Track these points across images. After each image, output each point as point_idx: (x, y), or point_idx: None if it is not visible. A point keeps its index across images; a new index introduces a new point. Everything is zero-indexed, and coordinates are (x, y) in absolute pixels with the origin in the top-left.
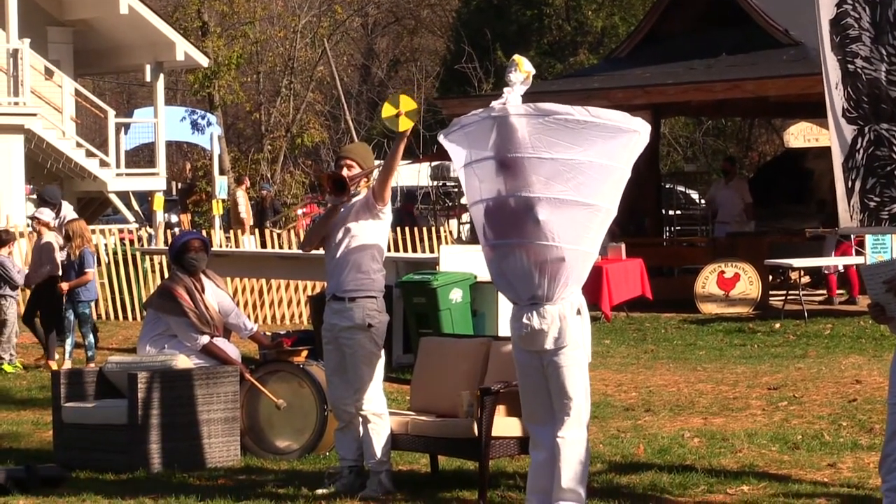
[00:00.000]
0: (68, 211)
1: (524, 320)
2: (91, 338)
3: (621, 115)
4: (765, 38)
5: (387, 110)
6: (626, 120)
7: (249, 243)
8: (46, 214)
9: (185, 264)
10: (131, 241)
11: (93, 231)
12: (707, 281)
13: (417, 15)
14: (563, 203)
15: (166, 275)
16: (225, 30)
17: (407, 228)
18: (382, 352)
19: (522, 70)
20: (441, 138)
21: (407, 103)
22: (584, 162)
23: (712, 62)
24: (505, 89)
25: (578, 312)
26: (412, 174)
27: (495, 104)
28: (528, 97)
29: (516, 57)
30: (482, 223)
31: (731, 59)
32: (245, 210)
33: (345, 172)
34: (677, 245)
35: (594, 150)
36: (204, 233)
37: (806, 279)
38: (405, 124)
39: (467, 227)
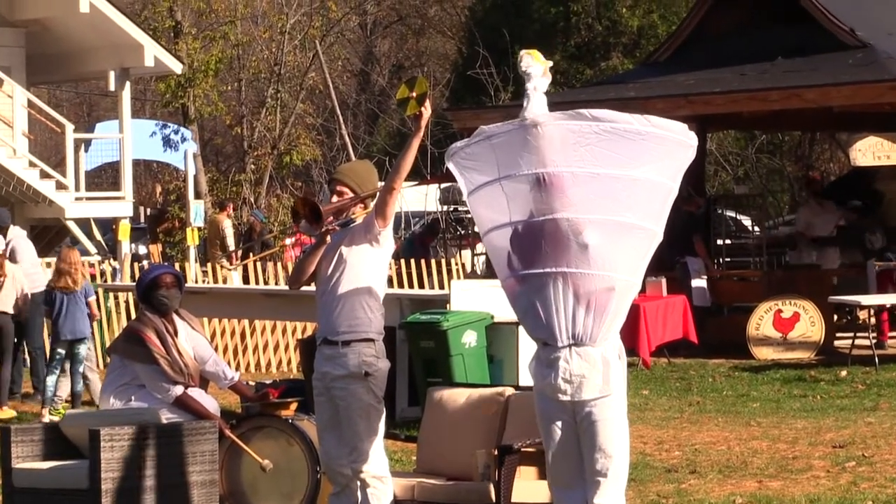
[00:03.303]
0: (18, 235)
1: (562, 364)
2: (81, 384)
3: (678, 125)
4: (828, 39)
5: (402, 91)
6: (685, 132)
7: (237, 279)
8: None
9: (155, 303)
10: (92, 277)
11: (47, 265)
12: (762, 321)
13: (424, 13)
14: (616, 226)
15: (133, 315)
16: (201, 31)
17: (412, 260)
18: (383, 404)
19: (539, 61)
20: (451, 155)
21: (422, 86)
22: (640, 179)
23: (767, 67)
24: (528, 89)
25: (619, 357)
26: (418, 198)
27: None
28: (552, 108)
29: (525, 51)
30: (505, 251)
31: (788, 64)
32: (232, 241)
33: (334, 199)
34: (727, 279)
35: (650, 166)
36: (177, 266)
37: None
38: (411, 109)
39: (483, 258)
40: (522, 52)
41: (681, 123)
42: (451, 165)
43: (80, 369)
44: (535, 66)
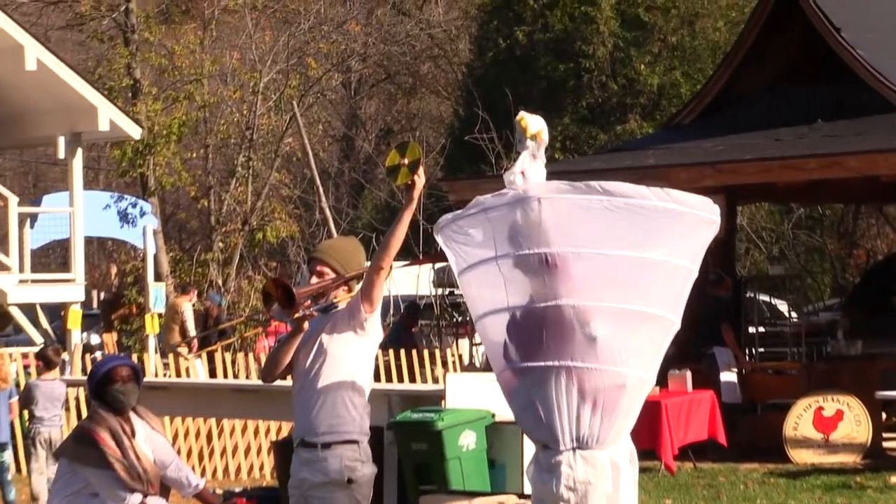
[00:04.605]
0: None
1: (564, 469)
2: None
3: (700, 199)
4: (872, 100)
5: (391, 158)
6: (707, 207)
7: (202, 372)
8: None
9: (110, 399)
10: (38, 370)
11: None
12: (800, 420)
13: (415, 70)
14: (627, 315)
15: (84, 414)
16: (163, 90)
17: (402, 351)
18: None
19: (529, 132)
20: (442, 228)
21: (414, 152)
22: (657, 262)
23: (804, 131)
24: (520, 162)
25: (630, 461)
26: (409, 280)
27: (513, 178)
28: (560, 178)
29: (519, 117)
30: (502, 339)
31: (828, 127)
32: (193, 326)
33: (314, 281)
34: (760, 373)
35: (668, 247)
36: (135, 358)
37: None
38: (402, 178)
39: (483, 349)
40: (517, 117)
41: (702, 197)
42: (440, 239)
43: (9, 478)
44: (530, 141)
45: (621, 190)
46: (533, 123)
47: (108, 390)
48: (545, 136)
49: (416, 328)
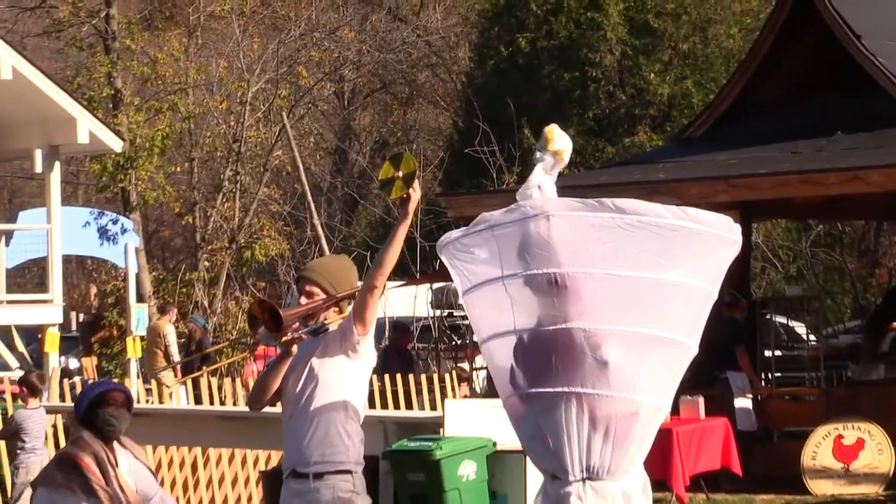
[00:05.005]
0: None
1: (574, 500)
2: None
3: (721, 218)
4: (895, 110)
5: (385, 171)
6: (728, 226)
7: (184, 396)
8: None
9: (100, 424)
10: (14, 396)
11: None
12: (819, 449)
13: (412, 79)
14: (641, 339)
15: (62, 443)
16: (145, 101)
17: (399, 376)
18: None
19: (552, 147)
20: (445, 245)
21: (409, 164)
22: (674, 283)
23: (823, 143)
24: (536, 175)
25: (643, 491)
26: (406, 301)
27: (530, 192)
28: (565, 194)
29: (549, 129)
30: (508, 364)
31: (849, 140)
32: (177, 351)
33: (303, 301)
34: (777, 399)
35: (686, 268)
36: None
37: None
38: (397, 192)
39: (483, 373)
40: (546, 129)
41: (722, 216)
42: (444, 258)
43: None
44: (547, 154)
45: (635, 208)
46: (560, 140)
47: (99, 413)
48: (566, 158)
49: (410, 344)
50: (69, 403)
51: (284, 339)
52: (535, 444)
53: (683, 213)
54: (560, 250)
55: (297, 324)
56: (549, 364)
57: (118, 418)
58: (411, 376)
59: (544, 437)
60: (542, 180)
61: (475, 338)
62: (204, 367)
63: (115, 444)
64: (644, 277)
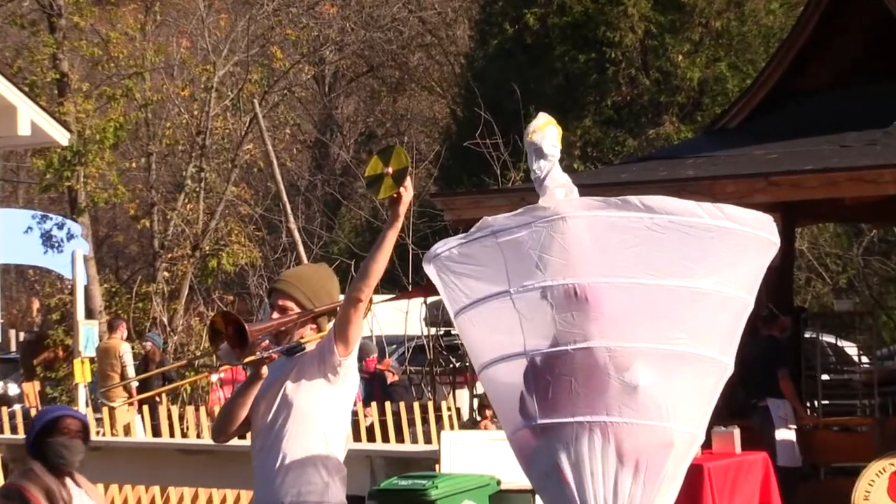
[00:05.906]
0: None
1: None
2: None
3: (758, 216)
4: None
5: (373, 166)
6: (767, 225)
7: (141, 429)
8: None
9: (51, 454)
10: None
11: None
12: (873, 487)
13: (404, 61)
14: (671, 357)
15: (1, 479)
16: (96, 86)
17: (388, 403)
18: None
19: (540, 129)
20: (434, 258)
21: (399, 160)
22: (709, 292)
23: (876, 136)
24: (555, 172)
25: None
26: (396, 317)
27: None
28: (581, 194)
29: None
30: (517, 391)
31: None
32: (133, 373)
33: (275, 316)
34: (824, 430)
35: (721, 274)
36: None
37: None
38: (386, 191)
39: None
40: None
41: (758, 213)
42: (432, 271)
43: None
44: (548, 141)
45: (665, 206)
46: (538, 120)
47: (49, 443)
48: (536, 139)
49: (389, 371)
50: (7, 435)
51: (251, 358)
52: (550, 484)
53: (718, 211)
54: (578, 257)
55: (267, 341)
56: (567, 390)
57: (71, 449)
58: (400, 405)
59: (562, 474)
60: (561, 177)
61: (472, 362)
62: (160, 388)
63: (69, 480)
64: (674, 286)
